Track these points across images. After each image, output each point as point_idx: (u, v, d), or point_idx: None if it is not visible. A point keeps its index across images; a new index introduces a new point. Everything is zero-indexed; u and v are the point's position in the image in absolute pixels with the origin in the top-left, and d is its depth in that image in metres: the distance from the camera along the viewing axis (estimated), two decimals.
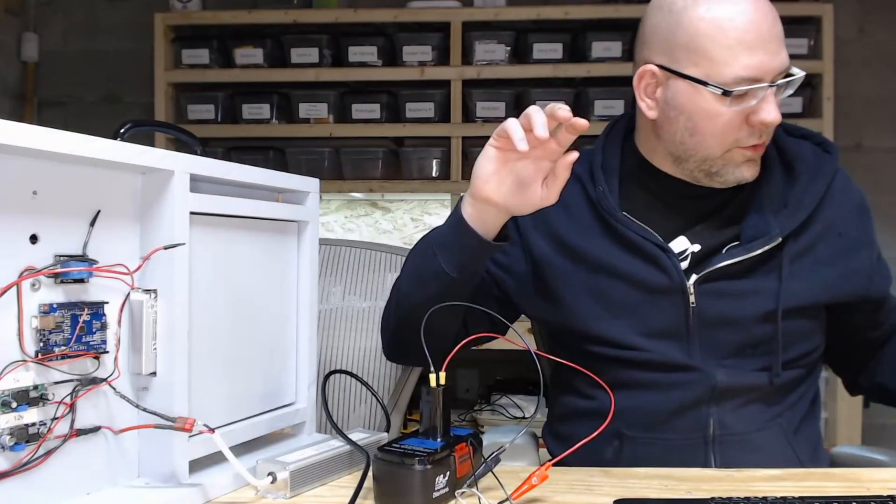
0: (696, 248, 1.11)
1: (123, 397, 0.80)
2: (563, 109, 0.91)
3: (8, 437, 0.69)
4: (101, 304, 0.78)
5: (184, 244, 0.82)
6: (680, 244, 1.12)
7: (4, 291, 0.68)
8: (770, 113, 1.02)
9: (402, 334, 1.13)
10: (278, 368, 1.03)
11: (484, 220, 1.02)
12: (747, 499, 0.79)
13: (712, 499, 0.79)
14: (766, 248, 1.08)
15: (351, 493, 0.82)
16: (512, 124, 0.95)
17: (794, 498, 0.79)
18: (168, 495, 0.80)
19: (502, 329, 1.11)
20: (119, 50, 3.16)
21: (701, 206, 1.13)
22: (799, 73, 1.05)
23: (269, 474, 0.84)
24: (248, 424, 0.96)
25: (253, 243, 0.98)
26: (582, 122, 0.91)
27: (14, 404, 0.69)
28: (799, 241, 1.10)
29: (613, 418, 0.95)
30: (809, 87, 2.75)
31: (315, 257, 1.07)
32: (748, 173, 1.09)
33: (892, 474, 0.94)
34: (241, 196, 0.94)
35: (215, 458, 0.88)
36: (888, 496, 0.81)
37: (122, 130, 0.98)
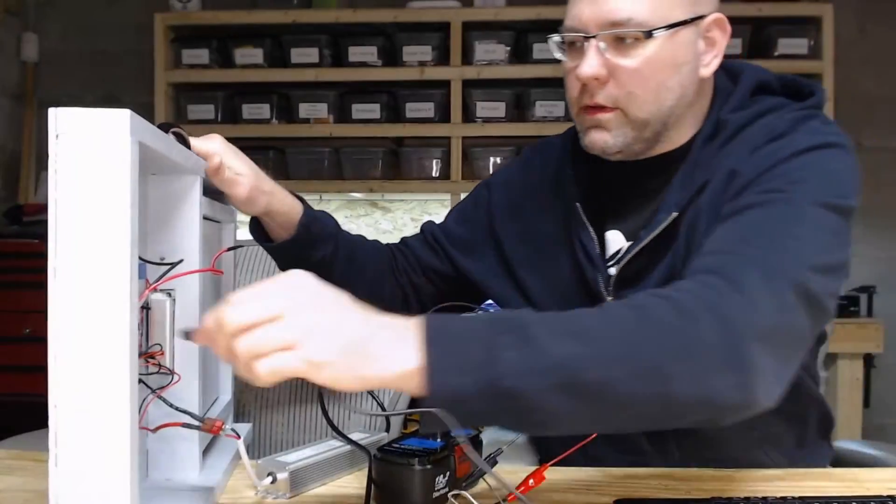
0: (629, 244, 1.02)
1: (160, 397, 0.79)
2: None
3: None
4: None
5: (242, 245, 0.81)
6: (615, 241, 1.03)
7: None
8: (581, 66, 0.94)
9: None
10: None
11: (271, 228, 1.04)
12: (747, 499, 0.79)
13: (712, 499, 0.79)
14: (660, 229, 0.95)
15: (351, 493, 0.82)
16: None
17: (793, 498, 0.80)
18: (175, 495, 0.80)
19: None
20: (119, 50, 3.16)
21: (635, 189, 1.03)
22: (633, 29, 0.91)
23: (269, 474, 0.84)
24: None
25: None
26: None
27: None
28: (691, 210, 0.95)
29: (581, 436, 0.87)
30: None
31: None
32: (589, 140, 0.98)
33: (891, 474, 0.94)
34: None
35: (214, 459, 0.88)
36: (888, 496, 0.81)
37: None
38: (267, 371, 0.63)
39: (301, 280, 0.67)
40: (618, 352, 0.68)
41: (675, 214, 0.95)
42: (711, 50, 0.98)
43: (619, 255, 1.02)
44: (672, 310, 0.71)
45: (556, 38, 0.98)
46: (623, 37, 0.92)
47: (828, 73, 2.69)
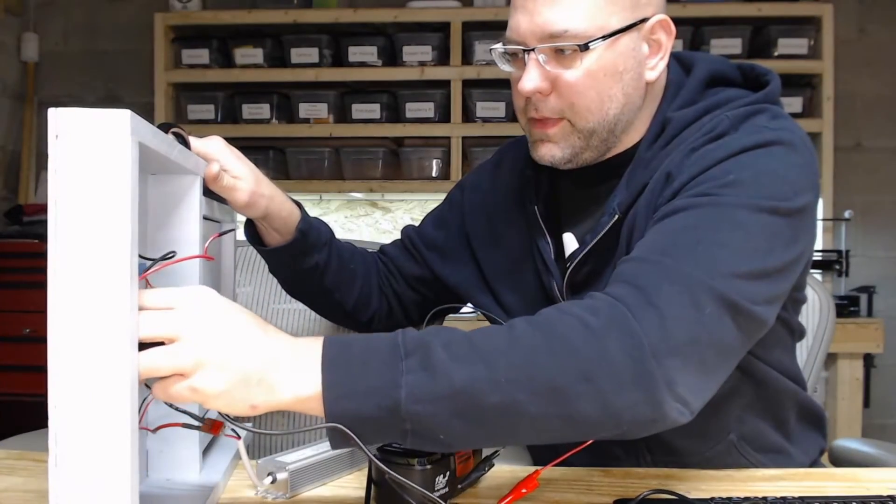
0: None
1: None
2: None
3: None
4: None
5: (234, 229, 0.81)
6: (571, 245, 1.03)
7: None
8: (522, 80, 0.92)
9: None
10: None
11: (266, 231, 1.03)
12: (747, 499, 0.79)
13: (712, 499, 0.79)
14: (602, 232, 0.95)
15: (350, 493, 0.82)
16: None
17: (793, 498, 0.80)
18: (175, 495, 0.80)
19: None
20: (119, 50, 3.16)
21: (588, 192, 1.03)
22: (569, 42, 0.89)
23: (269, 474, 0.84)
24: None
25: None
26: None
27: None
28: (632, 213, 0.94)
29: None
30: (809, 87, 2.75)
31: None
32: (538, 154, 0.98)
33: (891, 474, 0.94)
34: None
35: (214, 459, 0.88)
36: (888, 496, 0.81)
37: None
38: (161, 394, 0.64)
39: (207, 300, 0.66)
40: (521, 374, 0.68)
41: (616, 217, 0.94)
42: (657, 53, 0.96)
43: (569, 260, 1.01)
44: (580, 327, 0.71)
45: (498, 48, 0.96)
46: (562, 48, 0.90)
47: (828, 73, 2.70)
